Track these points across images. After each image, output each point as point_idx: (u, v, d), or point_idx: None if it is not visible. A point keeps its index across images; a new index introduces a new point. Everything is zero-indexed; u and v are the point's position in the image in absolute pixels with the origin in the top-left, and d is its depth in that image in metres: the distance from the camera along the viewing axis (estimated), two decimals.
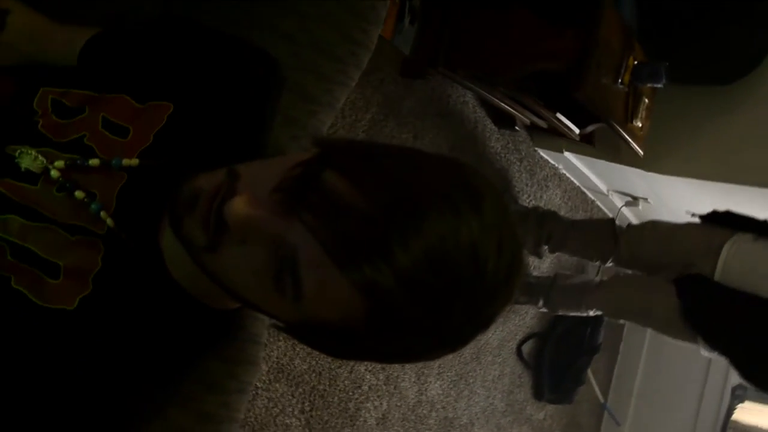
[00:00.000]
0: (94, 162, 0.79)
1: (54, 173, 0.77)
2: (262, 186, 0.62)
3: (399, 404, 2.71)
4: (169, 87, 0.85)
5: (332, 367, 2.35)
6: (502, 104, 2.44)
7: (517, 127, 2.88)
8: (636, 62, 2.11)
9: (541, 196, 3.24)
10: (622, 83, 2.12)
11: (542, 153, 3.16)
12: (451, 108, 2.64)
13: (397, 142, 2.36)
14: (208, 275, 0.69)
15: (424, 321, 0.57)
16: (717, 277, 2.21)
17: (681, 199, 2.93)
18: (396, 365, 2.57)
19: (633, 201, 3.33)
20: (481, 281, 0.57)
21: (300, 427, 2.29)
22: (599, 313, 2.77)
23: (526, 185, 3.13)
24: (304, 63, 1.00)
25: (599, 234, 2.73)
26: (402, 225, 0.54)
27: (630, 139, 2.35)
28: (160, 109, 0.83)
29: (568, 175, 3.39)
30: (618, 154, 2.73)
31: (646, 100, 2.28)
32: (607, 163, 2.90)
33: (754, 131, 2.45)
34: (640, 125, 2.33)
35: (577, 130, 2.48)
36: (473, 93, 2.61)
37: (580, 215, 3.56)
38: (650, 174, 2.67)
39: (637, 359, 4.34)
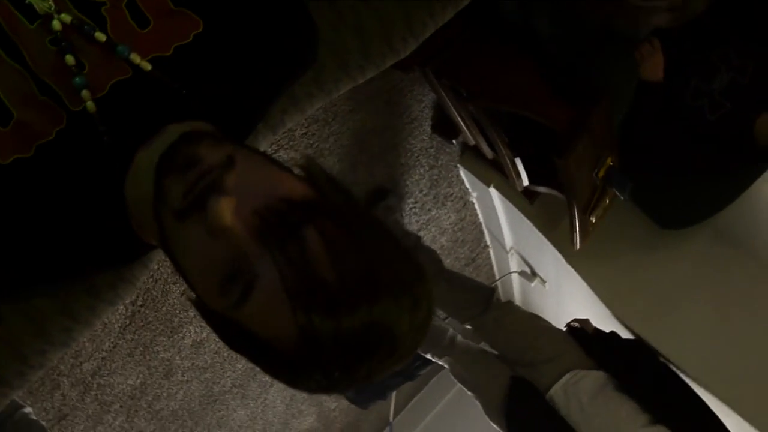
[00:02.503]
0: (100, 36, 0.76)
1: (56, 24, 0.75)
2: (249, 196, 0.65)
3: (217, 339, 2.60)
4: (208, 4, 0.82)
5: (169, 281, 2.35)
6: (460, 119, 2.40)
7: (454, 141, 2.81)
8: (612, 164, 2.07)
9: (430, 209, 3.11)
10: (597, 175, 2.08)
11: (462, 173, 3.05)
12: (403, 100, 2.59)
13: (337, 105, 2.35)
14: (159, 231, 0.70)
15: (335, 372, 0.65)
16: (548, 396, 2.24)
17: (578, 306, 2.93)
18: None
19: (530, 275, 3.24)
20: (390, 361, 0.66)
21: (123, 317, 2.29)
22: (446, 366, 2.79)
23: (422, 192, 3.01)
24: (338, 44, 1.00)
25: (471, 299, 2.74)
26: (357, 300, 0.62)
27: (578, 229, 2.32)
28: (190, 22, 0.81)
29: (476, 207, 3.29)
30: (552, 229, 2.69)
31: (608, 201, 2.26)
32: (531, 225, 2.83)
33: (677, 286, 2.49)
34: (593, 221, 2.30)
35: (526, 182, 2.44)
36: (436, 96, 2.51)
37: (462, 252, 3.47)
38: (568, 266, 2.65)
39: (439, 399, 4.42)
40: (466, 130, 2.51)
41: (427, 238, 3.18)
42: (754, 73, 2.07)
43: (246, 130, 0.91)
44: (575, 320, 2.48)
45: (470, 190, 3.14)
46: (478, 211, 3.30)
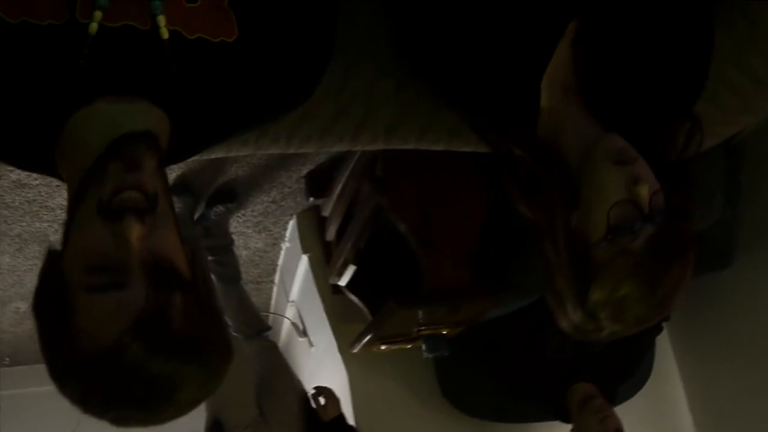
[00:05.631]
0: None
1: None
2: (153, 237, 0.73)
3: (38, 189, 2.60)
4: (254, 25, 0.86)
5: None
6: (339, 191, 2.40)
7: (311, 199, 2.80)
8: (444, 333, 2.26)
9: (248, 227, 3.16)
10: (418, 331, 2.25)
11: (292, 223, 3.08)
12: None
13: None
14: (76, 191, 0.76)
15: (96, 396, 0.72)
16: None
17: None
18: None
19: (301, 332, 3.36)
20: (144, 417, 0.73)
21: None
22: None
23: (253, 212, 3.05)
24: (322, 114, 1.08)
25: (249, 320, 2.86)
26: (176, 355, 0.71)
27: (364, 343, 2.46)
28: (229, 27, 0.84)
29: (282, 253, 3.35)
30: (340, 321, 2.80)
31: (409, 347, 2.44)
32: (321, 299, 2.90)
33: None
34: (382, 348, 2.48)
35: (342, 284, 2.51)
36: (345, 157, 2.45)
37: (252, 273, 3.53)
38: (339, 354, 2.81)
39: None
40: (333, 203, 2.49)
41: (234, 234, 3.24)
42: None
43: (203, 142, 0.95)
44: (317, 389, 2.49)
45: (287, 239, 3.20)
46: (281, 257, 3.38)
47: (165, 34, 0.79)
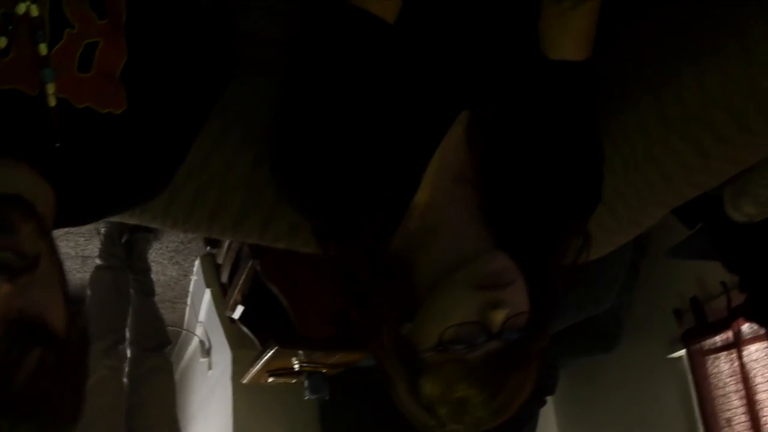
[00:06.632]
0: (42, 48, 0.76)
1: (21, 8, 0.75)
2: (24, 299, 0.72)
3: None
4: (141, 96, 0.84)
5: None
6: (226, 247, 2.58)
7: (209, 248, 3.03)
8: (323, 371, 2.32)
9: (164, 257, 3.37)
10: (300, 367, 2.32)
11: (197, 263, 3.35)
12: None
13: None
14: None
15: None
16: None
17: (214, 416, 3.13)
18: None
19: (206, 351, 3.49)
20: None
21: None
22: None
23: (168, 247, 3.27)
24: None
25: (151, 334, 2.89)
26: (8, 414, 0.70)
27: (253, 373, 2.54)
28: (117, 98, 0.82)
29: (192, 281, 3.56)
30: (238, 347, 2.90)
31: (293, 382, 2.49)
32: (222, 327, 3.06)
33: None
34: (270, 381, 2.54)
35: (236, 316, 2.63)
36: None
37: (167, 293, 3.69)
38: (229, 384, 2.86)
39: None
40: (224, 254, 2.72)
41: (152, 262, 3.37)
42: None
43: (92, 212, 0.94)
44: None
45: (194, 274, 3.46)
46: (191, 286, 3.61)
47: (52, 101, 0.78)
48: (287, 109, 0.94)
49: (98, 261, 2.83)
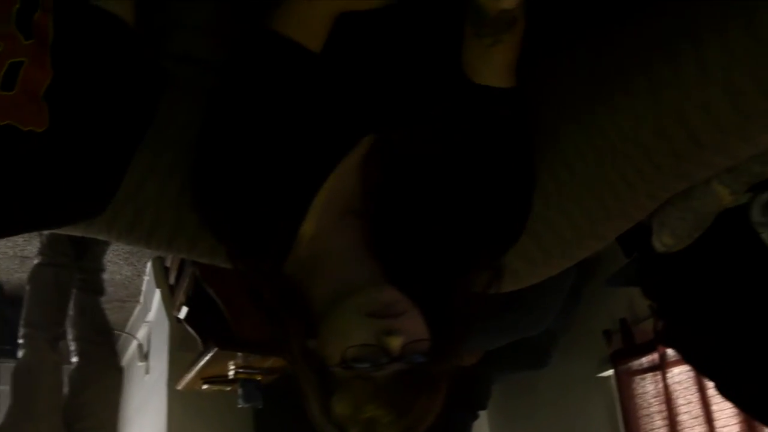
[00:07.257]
0: None
1: None
2: None
3: None
4: (65, 115, 0.83)
5: None
6: (173, 260, 2.63)
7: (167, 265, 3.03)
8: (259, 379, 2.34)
9: (119, 257, 3.39)
10: (235, 373, 2.36)
11: (150, 264, 3.38)
12: None
13: None
14: None
15: None
16: None
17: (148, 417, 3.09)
18: None
19: (143, 356, 3.53)
20: None
21: None
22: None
23: (124, 249, 3.25)
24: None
25: (94, 333, 2.90)
26: None
27: (190, 378, 2.56)
28: (39, 115, 0.81)
29: (144, 281, 3.62)
30: (180, 348, 2.90)
31: (228, 389, 2.50)
32: (169, 325, 3.09)
33: None
34: (204, 387, 2.57)
35: (181, 316, 2.60)
36: None
37: (118, 292, 3.70)
38: (165, 390, 2.83)
39: None
40: (171, 258, 2.77)
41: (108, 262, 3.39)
42: None
43: (10, 227, 0.91)
44: None
45: (147, 274, 3.52)
46: (144, 285, 3.65)
47: None
48: (203, 136, 0.96)
49: (38, 259, 2.81)
